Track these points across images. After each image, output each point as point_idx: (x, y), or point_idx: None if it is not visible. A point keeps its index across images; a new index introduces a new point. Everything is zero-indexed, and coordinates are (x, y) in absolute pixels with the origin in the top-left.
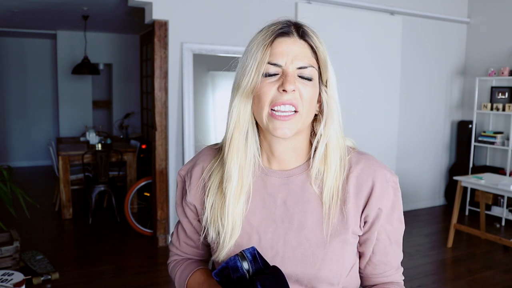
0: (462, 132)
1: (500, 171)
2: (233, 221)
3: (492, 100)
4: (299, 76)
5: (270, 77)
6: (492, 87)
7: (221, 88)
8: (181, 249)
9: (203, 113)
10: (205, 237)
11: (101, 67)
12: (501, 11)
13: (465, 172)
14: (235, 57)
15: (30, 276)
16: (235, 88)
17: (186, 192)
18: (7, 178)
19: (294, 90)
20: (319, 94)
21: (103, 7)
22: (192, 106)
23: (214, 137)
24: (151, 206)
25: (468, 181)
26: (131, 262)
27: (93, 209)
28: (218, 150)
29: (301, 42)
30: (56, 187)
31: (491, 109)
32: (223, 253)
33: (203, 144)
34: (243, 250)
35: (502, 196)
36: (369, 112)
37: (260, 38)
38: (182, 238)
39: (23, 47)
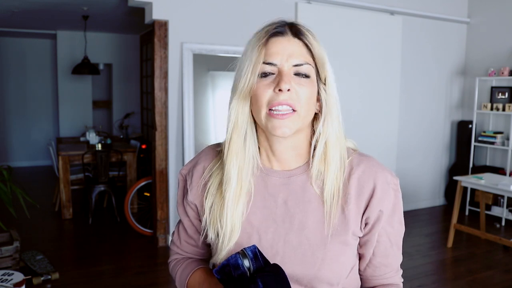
0: (462, 132)
1: (500, 171)
2: (232, 223)
3: (492, 100)
4: (296, 74)
5: (266, 78)
6: (492, 87)
7: (221, 88)
8: (182, 248)
9: (203, 113)
10: (205, 237)
11: (101, 67)
12: (501, 11)
13: (465, 172)
14: (235, 57)
15: (30, 276)
16: (233, 90)
17: (187, 191)
18: (7, 178)
19: (289, 90)
20: (319, 93)
21: (103, 7)
22: (192, 106)
23: (214, 137)
24: (151, 206)
25: (468, 181)
26: (131, 262)
27: (93, 209)
28: (219, 152)
29: (296, 40)
30: (56, 187)
31: (491, 109)
32: (222, 253)
33: (203, 144)
34: (244, 248)
35: (502, 196)
36: (369, 112)
37: (255, 40)
38: (183, 237)
39: (23, 47)
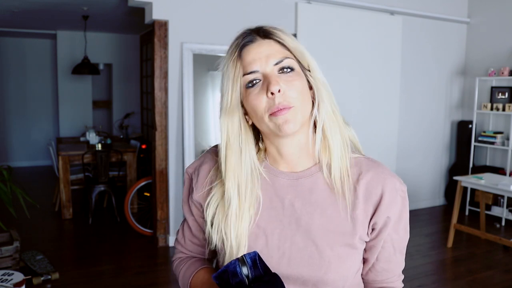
0: (462, 132)
1: (500, 171)
2: (238, 239)
3: (492, 100)
4: (281, 72)
5: (254, 87)
6: (492, 87)
7: None
8: (186, 247)
9: (203, 113)
10: (210, 243)
11: (101, 67)
12: (501, 11)
13: (465, 172)
14: None
15: (30, 276)
16: (220, 109)
17: (192, 190)
18: (7, 178)
19: (280, 90)
20: (309, 82)
21: (103, 7)
22: (192, 106)
23: (214, 137)
24: (151, 206)
25: (468, 181)
26: (131, 262)
27: (93, 209)
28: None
29: (267, 41)
30: (56, 187)
31: (491, 109)
32: (227, 259)
33: (203, 144)
34: (244, 255)
35: (502, 196)
36: (369, 112)
37: (228, 56)
38: (188, 236)
39: (23, 47)
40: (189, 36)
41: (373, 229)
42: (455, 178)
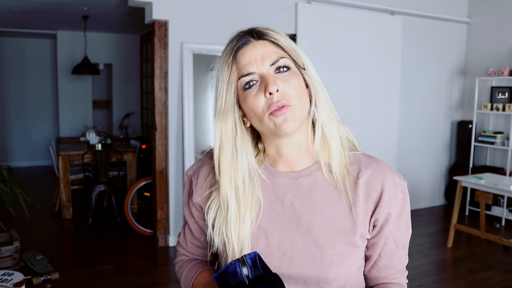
0: (462, 132)
1: (500, 171)
2: (240, 242)
3: (492, 100)
4: (277, 71)
5: (251, 88)
6: (492, 87)
7: None
8: (187, 250)
9: (203, 113)
10: (212, 246)
11: (101, 67)
12: (501, 11)
13: (465, 172)
14: None
15: (30, 276)
16: (214, 112)
17: (192, 192)
18: (7, 178)
19: (278, 90)
20: (305, 80)
21: (103, 7)
22: (192, 106)
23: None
24: (151, 206)
25: (468, 181)
26: (131, 262)
27: (93, 209)
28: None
29: (261, 42)
30: (56, 187)
31: (491, 109)
32: (229, 260)
33: (203, 144)
34: (244, 255)
35: (502, 196)
36: (369, 112)
37: (223, 60)
38: (189, 239)
39: (23, 47)
40: (189, 36)
41: (374, 226)
42: (455, 178)
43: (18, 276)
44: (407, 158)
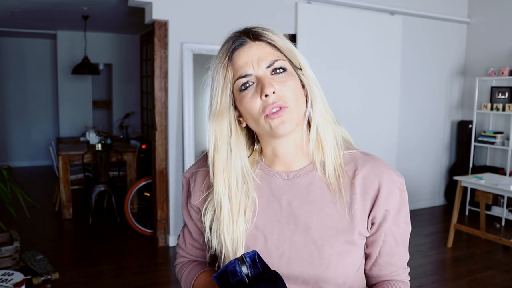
0: (462, 132)
1: (500, 171)
2: (234, 242)
3: (492, 100)
4: (273, 73)
5: (247, 90)
6: (492, 87)
7: None
8: (187, 251)
9: (203, 113)
10: (210, 248)
11: (101, 67)
12: (501, 11)
13: (465, 172)
14: None
15: (30, 276)
16: (208, 113)
17: (190, 194)
18: (7, 178)
19: (274, 92)
20: (302, 81)
21: (103, 7)
22: (192, 106)
23: None
24: (151, 206)
25: (468, 181)
26: (131, 262)
27: (93, 209)
28: None
29: (257, 43)
30: (56, 187)
31: (491, 109)
32: (228, 261)
33: (203, 144)
34: (243, 254)
35: (502, 196)
36: (369, 112)
37: (218, 61)
38: (188, 240)
39: (23, 47)
40: (189, 36)
41: (372, 224)
42: (455, 178)
43: (18, 276)
44: (407, 158)
